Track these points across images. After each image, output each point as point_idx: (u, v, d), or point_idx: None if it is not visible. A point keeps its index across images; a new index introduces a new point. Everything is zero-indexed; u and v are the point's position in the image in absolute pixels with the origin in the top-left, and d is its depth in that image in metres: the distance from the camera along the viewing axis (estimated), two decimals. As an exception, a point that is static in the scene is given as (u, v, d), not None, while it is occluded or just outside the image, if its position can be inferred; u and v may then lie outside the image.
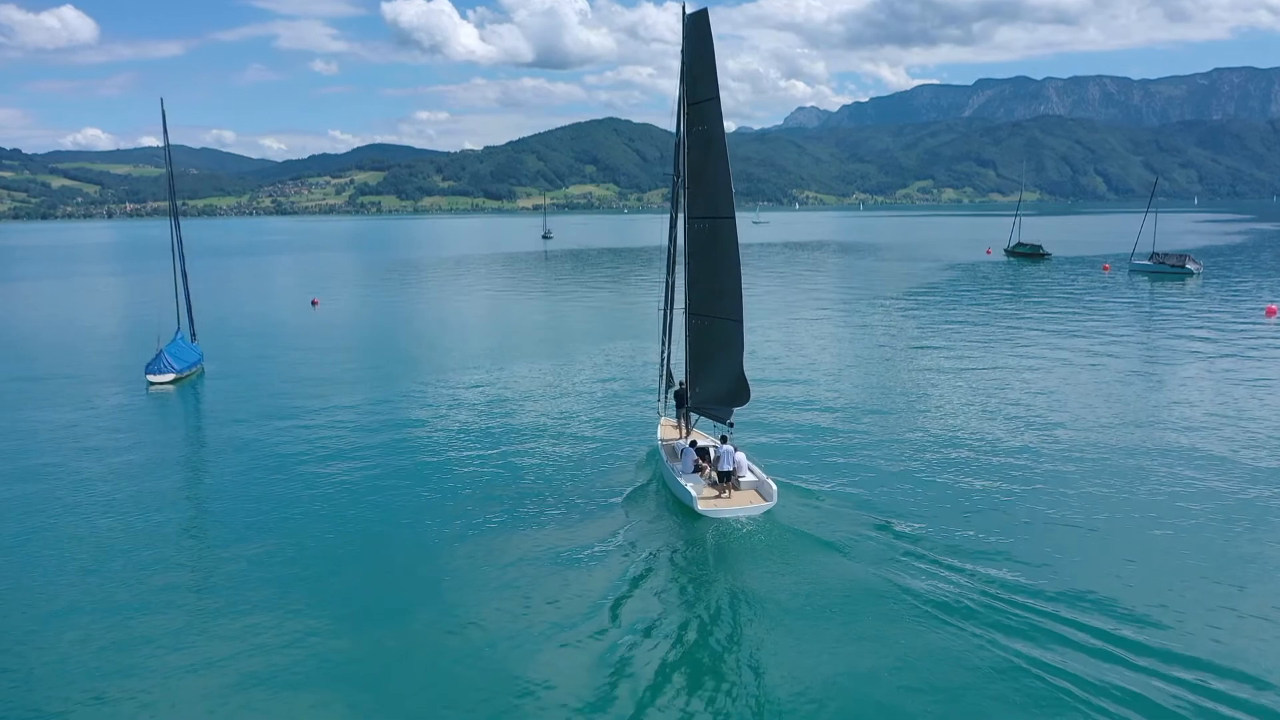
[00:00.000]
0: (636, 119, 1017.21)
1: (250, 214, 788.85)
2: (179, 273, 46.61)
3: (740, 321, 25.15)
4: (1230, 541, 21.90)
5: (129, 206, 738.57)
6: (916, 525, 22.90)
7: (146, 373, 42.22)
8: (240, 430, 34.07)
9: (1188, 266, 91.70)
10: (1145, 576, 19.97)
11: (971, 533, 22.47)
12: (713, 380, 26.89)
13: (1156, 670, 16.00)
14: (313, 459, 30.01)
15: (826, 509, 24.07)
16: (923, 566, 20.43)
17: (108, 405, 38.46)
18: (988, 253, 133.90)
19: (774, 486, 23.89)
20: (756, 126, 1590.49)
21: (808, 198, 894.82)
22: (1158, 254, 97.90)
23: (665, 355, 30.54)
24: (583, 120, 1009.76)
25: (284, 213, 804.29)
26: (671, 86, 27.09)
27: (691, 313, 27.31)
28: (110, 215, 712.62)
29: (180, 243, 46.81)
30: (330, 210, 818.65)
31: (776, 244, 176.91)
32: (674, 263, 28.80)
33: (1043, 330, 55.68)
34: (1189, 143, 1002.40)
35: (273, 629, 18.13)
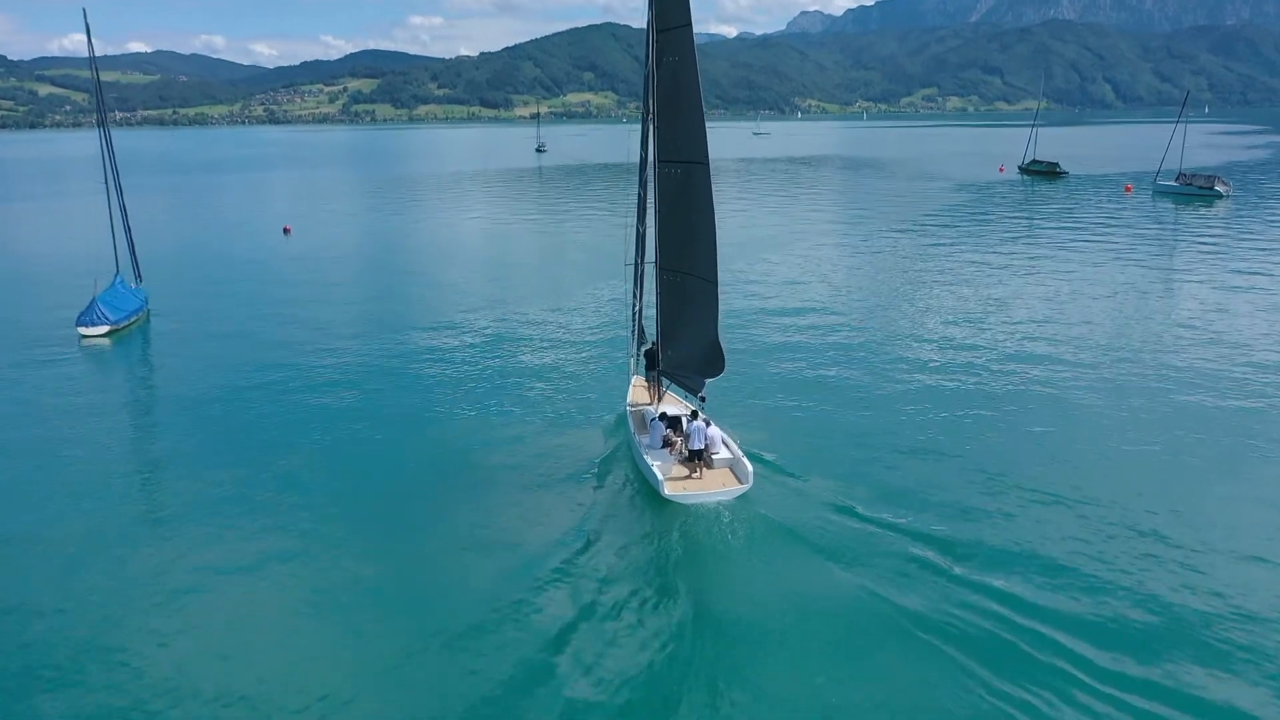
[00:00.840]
0: (636, 24, 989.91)
1: (243, 123, 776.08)
2: (117, 208, 42.52)
3: (714, 282, 22.09)
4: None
5: (118, 115, 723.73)
6: (912, 516, 19.98)
7: (77, 324, 38.20)
8: (179, 389, 31.04)
9: (1217, 188, 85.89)
10: (1204, 593, 16.82)
11: (979, 529, 19.41)
12: (684, 345, 23.93)
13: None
14: (254, 423, 27.23)
15: (810, 494, 21.28)
16: (918, 573, 17.60)
17: (28, 361, 34.62)
18: (1000, 170, 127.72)
19: (749, 467, 21.27)
20: (758, 32, 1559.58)
21: (810, 106, 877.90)
22: (1184, 174, 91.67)
23: (636, 311, 27.64)
24: (581, 25, 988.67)
25: (277, 122, 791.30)
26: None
27: (662, 268, 24.14)
28: (100, 124, 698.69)
29: (116, 173, 42.43)
30: (324, 119, 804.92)
31: (780, 159, 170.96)
32: (644, 210, 25.34)
33: (1067, 268, 50.69)
34: (1201, 49, 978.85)
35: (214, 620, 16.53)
